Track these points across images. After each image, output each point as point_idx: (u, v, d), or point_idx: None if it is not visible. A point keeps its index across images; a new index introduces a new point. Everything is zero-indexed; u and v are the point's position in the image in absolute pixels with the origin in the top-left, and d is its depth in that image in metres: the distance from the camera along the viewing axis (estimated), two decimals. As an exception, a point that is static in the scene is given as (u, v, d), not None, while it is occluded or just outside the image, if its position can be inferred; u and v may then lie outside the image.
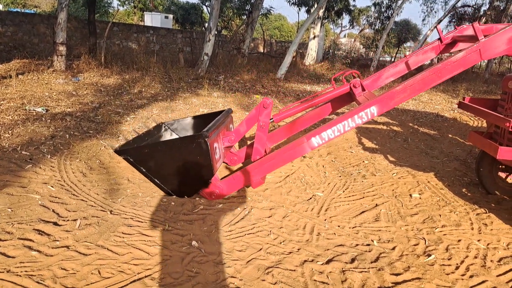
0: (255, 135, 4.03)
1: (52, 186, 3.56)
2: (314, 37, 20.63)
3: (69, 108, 6.76)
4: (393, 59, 29.75)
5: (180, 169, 3.53)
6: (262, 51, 23.63)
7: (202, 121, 4.61)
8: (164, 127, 4.54)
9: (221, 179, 3.68)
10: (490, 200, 4.20)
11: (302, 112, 4.20)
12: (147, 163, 3.50)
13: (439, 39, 4.12)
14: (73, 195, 3.47)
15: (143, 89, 9.02)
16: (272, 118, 4.03)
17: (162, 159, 3.50)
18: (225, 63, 14.42)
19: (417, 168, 5.18)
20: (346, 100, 4.17)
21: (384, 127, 7.45)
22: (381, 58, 21.97)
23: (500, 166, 4.35)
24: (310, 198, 3.93)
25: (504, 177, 4.37)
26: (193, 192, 3.64)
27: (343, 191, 4.18)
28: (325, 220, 3.49)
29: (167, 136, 4.50)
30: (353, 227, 3.40)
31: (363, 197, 4.05)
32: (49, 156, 4.32)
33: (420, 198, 4.13)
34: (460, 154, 6.04)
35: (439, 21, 20.73)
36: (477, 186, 4.62)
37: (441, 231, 3.39)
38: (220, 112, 4.51)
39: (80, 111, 6.60)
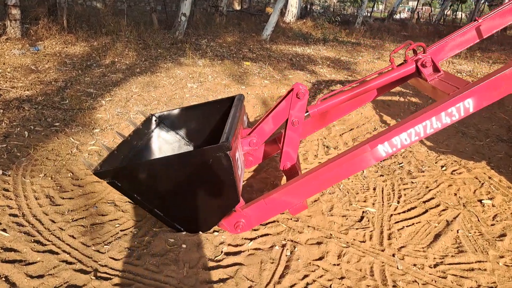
0: (283, 134, 2.98)
1: (4, 230, 2.45)
2: (294, -8, 19.12)
3: (27, 90, 5.46)
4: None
5: (191, 195, 2.47)
6: (238, 8, 21.98)
7: (205, 111, 3.51)
8: (156, 121, 3.42)
9: (246, 203, 2.65)
10: None
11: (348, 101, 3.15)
12: (143, 188, 2.44)
13: (525, -5, 3.08)
14: (37, 243, 2.38)
15: (116, 59, 7.67)
16: (307, 112, 2.98)
17: (165, 182, 2.43)
18: (203, 24, 12.97)
19: (463, 155, 4.27)
20: (400, 82, 3.13)
21: (402, 99, 6.49)
22: (364, 14, 20.68)
23: None
24: (362, 218, 2.96)
25: None
26: (210, 226, 2.61)
27: (398, 202, 3.23)
28: (393, 255, 2.55)
29: (163, 136, 3.39)
30: (434, 266, 2.48)
31: (426, 211, 3.12)
32: (0, 172, 3.16)
33: (494, 206, 3.24)
34: (500, 132, 5.16)
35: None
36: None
37: (551, 265, 2.52)
38: (229, 100, 3.41)
39: (42, 94, 5.32)
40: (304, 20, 19.13)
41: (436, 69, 2.76)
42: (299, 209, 2.59)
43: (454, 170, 3.90)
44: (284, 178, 3.51)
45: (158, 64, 7.55)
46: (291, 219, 2.85)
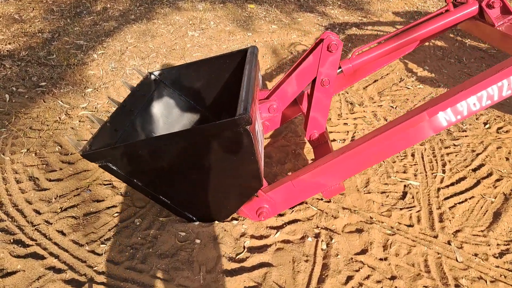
0: (309, 95, 2.46)
1: (-22, 228, 2.01)
2: None
3: (9, 43, 4.85)
4: None
5: (204, 178, 2.00)
6: None
7: (213, 67, 2.95)
8: (156, 81, 2.89)
9: (270, 185, 2.19)
10: None
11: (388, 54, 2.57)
12: (145, 172, 1.96)
13: None
14: (18, 244, 1.94)
15: (109, 5, 6.91)
16: (340, 68, 2.42)
17: (172, 164, 1.95)
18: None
19: (504, 109, 3.75)
20: (453, 27, 2.53)
21: (426, 43, 5.82)
22: None
23: None
24: (405, 195, 2.50)
25: None
26: (228, 214, 2.16)
27: (443, 172, 2.76)
28: (449, 243, 2.12)
29: (165, 99, 2.86)
30: (500, 255, 2.05)
31: (478, 182, 2.65)
32: (-25, 148, 2.68)
33: (555, 173, 2.77)
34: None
35: None
36: None
37: None
38: (240, 53, 2.84)
39: (26, 48, 4.71)
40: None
41: (506, 11, 2.17)
42: (335, 191, 2.12)
43: (499, 128, 3.39)
44: (307, 146, 3.02)
45: (154, 10, 6.81)
46: (321, 199, 2.40)
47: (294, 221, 2.21)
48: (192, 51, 5.04)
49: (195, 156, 1.94)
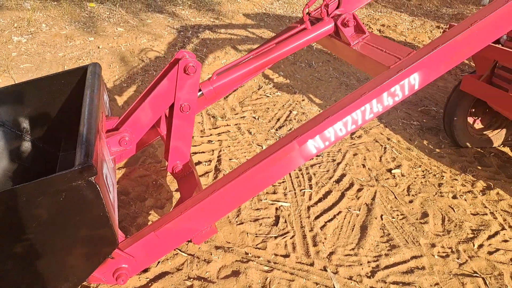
0: (168, 123, 2.15)
1: None
2: None
3: None
4: None
5: (36, 250, 1.53)
6: None
7: (45, 89, 2.40)
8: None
9: (127, 238, 1.81)
10: (468, 158, 3.33)
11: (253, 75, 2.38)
12: None
13: None
14: None
15: None
16: (201, 91, 2.14)
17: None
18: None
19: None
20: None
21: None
22: None
23: (471, 110, 3.45)
24: (278, 219, 2.38)
25: (472, 122, 3.51)
26: (76, 286, 1.71)
27: (310, 187, 2.73)
28: (325, 269, 2.05)
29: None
30: (372, 274, 2.06)
31: (343, 194, 2.68)
32: None
33: (403, 176, 2.98)
34: (378, 80, 5.06)
35: None
36: (431, 132, 3.71)
37: (481, 247, 2.32)
38: (78, 72, 2.36)
39: None
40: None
41: (359, 29, 2.17)
42: (207, 235, 1.86)
43: (352, 134, 3.56)
44: (169, 176, 2.70)
45: (-36, 8, 5.57)
46: (191, 241, 2.11)
47: (162, 275, 1.88)
48: (19, 61, 4.21)
49: (21, 222, 1.46)
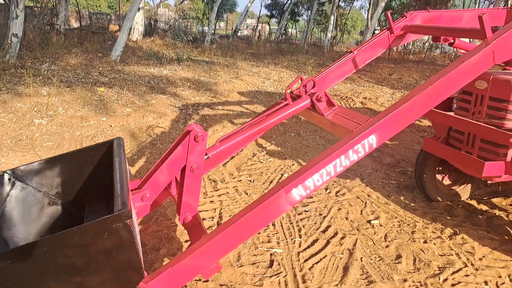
0: (180, 181, 2.65)
1: None
2: (139, 9, 18.46)
3: None
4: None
5: (82, 281, 1.96)
6: (76, 25, 20.22)
7: (75, 161, 2.92)
8: (10, 180, 2.71)
9: (149, 275, 2.23)
10: (439, 210, 3.80)
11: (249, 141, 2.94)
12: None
13: (389, 29, 3.35)
14: None
15: None
16: (207, 155, 2.68)
17: (45, 271, 1.87)
18: (38, 45, 11.45)
19: (339, 175, 4.49)
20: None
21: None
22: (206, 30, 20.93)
23: (438, 168, 3.98)
24: (272, 263, 2.79)
25: (440, 179, 4.03)
26: (109, 313, 2.11)
27: (300, 236, 3.17)
28: (314, 300, 2.44)
29: (23, 197, 2.69)
30: (354, 304, 2.45)
31: (328, 242, 3.12)
32: None
33: (381, 225, 3.43)
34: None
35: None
36: (407, 189, 4.21)
37: (445, 281, 2.72)
38: (104, 145, 2.90)
39: None
40: (152, 38, 18.61)
41: (330, 103, 2.78)
42: (214, 270, 2.28)
43: (337, 192, 4.06)
44: (179, 228, 3.14)
45: (-11, 96, 6.28)
46: (200, 280, 2.52)
47: (177, 307, 2.26)
48: (42, 140, 4.79)
49: (72, 258, 1.90)
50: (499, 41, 2.41)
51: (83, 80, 8.40)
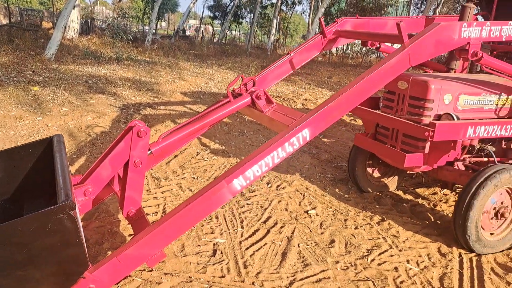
0: (123, 176, 2.70)
1: None
2: (75, 6, 17.76)
3: None
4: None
5: (24, 273, 1.97)
6: (5, 21, 19.05)
7: (12, 159, 2.87)
8: None
9: (94, 265, 2.28)
10: (369, 200, 4.13)
11: (191, 137, 3.04)
12: None
13: (322, 33, 3.61)
14: None
15: None
16: (150, 150, 2.75)
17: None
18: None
19: (280, 170, 4.73)
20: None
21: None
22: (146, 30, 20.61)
23: (368, 162, 4.32)
24: (215, 252, 2.93)
25: (371, 172, 4.37)
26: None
27: (242, 227, 3.33)
28: (253, 284, 2.60)
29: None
30: (290, 285, 2.64)
31: (269, 231, 3.30)
32: None
33: (317, 215, 3.68)
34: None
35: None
36: (342, 182, 4.53)
37: (373, 261, 3.00)
38: (43, 143, 2.88)
39: None
40: (89, 37, 17.98)
41: (269, 101, 2.96)
42: (158, 259, 2.37)
43: (278, 186, 4.27)
44: (122, 223, 3.18)
45: None
46: (144, 270, 2.59)
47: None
48: (-27, 140, 4.56)
49: (14, 251, 1.91)
50: (414, 45, 2.73)
51: (15, 79, 7.99)
